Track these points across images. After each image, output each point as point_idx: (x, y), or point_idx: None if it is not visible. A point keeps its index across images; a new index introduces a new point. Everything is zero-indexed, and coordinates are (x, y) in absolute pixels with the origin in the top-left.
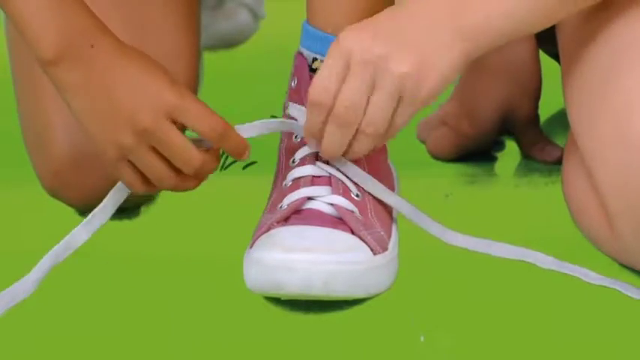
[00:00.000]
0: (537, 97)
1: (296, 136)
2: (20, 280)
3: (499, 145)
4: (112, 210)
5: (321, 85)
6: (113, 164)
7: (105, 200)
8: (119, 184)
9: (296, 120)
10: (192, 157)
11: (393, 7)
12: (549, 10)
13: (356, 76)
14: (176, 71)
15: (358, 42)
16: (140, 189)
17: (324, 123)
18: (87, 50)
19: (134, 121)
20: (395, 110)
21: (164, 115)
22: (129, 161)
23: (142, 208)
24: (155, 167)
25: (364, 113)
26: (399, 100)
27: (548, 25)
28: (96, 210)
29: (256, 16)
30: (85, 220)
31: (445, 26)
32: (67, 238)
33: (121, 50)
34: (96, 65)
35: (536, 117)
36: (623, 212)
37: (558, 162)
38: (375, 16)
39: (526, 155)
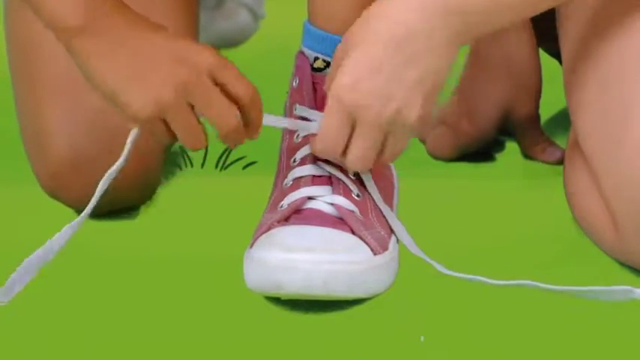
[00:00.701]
0: (538, 97)
1: (297, 136)
2: (54, 236)
3: (499, 145)
4: (128, 153)
5: (328, 149)
6: (146, 122)
7: (125, 148)
8: (134, 131)
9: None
10: (231, 115)
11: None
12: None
13: (368, 135)
14: None
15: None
16: (171, 142)
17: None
18: (115, 16)
19: (177, 76)
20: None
21: (205, 72)
22: (163, 120)
23: (142, 208)
24: (191, 125)
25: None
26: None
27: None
28: (118, 161)
29: (256, 16)
30: (109, 171)
31: (442, 40)
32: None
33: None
34: (127, 29)
35: (537, 116)
36: (627, 213)
37: (559, 163)
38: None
39: (526, 155)
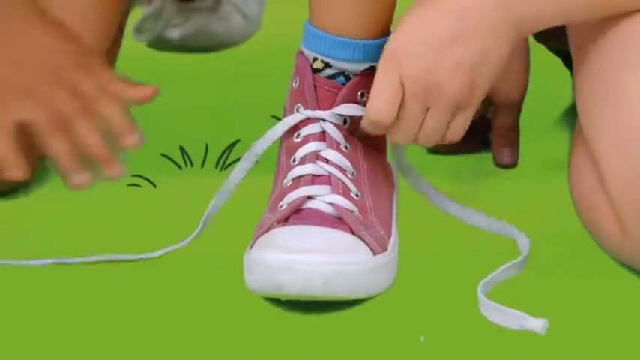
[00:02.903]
0: (522, 85)
1: (297, 135)
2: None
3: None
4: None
5: (380, 110)
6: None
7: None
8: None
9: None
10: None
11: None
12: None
13: (411, 105)
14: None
15: (408, 63)
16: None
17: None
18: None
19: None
20: (452, 117)
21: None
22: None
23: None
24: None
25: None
26: (455, 110)
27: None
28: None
29: (245, 16)
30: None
31: (496, 20)
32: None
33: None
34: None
35: (517, 107)
36: (633, 214)
37: (506, 167)
38: (421, 13)
39: (523, 152)
